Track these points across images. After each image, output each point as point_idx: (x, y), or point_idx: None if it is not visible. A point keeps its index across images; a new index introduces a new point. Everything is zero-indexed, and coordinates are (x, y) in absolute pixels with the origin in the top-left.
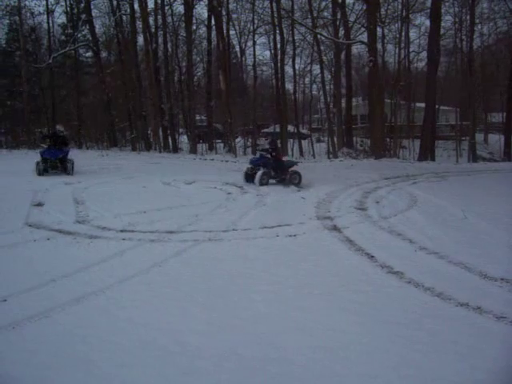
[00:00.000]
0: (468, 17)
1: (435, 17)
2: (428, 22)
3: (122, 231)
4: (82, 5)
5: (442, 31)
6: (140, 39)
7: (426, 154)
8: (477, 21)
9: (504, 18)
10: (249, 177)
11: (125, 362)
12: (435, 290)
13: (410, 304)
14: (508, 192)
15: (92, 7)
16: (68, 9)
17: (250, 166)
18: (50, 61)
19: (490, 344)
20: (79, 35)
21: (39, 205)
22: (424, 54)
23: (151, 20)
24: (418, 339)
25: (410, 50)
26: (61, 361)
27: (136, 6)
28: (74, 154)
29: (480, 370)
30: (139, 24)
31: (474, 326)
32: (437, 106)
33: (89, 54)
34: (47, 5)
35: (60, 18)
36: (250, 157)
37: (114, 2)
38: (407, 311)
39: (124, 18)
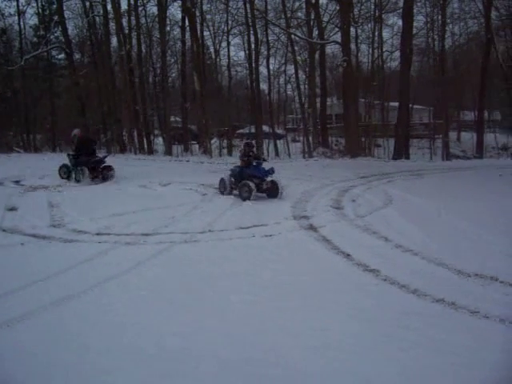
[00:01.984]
0: (439, 17)
1: (407, 17)
2: (400, 22)
3: (97, 234)
4: (54, 6)
5: (414, 31)
6: (113, 41)
7: (401, 152)
8: (448, 21)
9: (474, 18)
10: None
11: (103, 366)
12: (411, 286)
13: (386, 301)
14: (481, 189)
15: (64, 8)
16: (40, 10)
17: (256, 181)
18: (22, 63)
19: (464, 338)
20: (51, 37)
21: (13, 209)
22: (397, 54)
23: (125, 21)
24: (395, 336)
25: (384, 49)
26: (37, 366)
27: (109, 7)
28: (49, 158)
29: (456, 365)
30: (112, 25)
31: (449, 322)
32: (410, 105)
33: (62, 55)
34: (18, 6)
35: (32, 19)
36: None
37: (87, 4)
38: (384, 308)
39: (97, 19)
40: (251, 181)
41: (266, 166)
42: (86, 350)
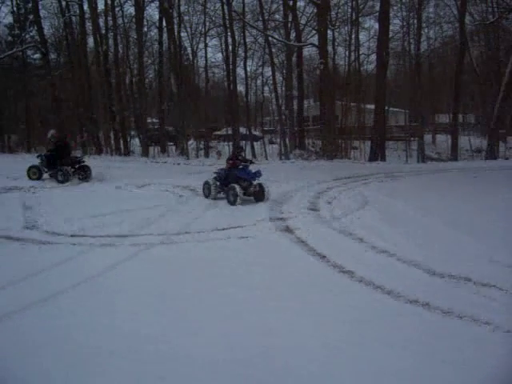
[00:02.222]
0: (415, 21)
1: (384, 20)
2: (377, 25)
3: (72, 236)
4: (30, 5)
5: (390, 34)
6: (90, 41)
7: (377, 154)
8: (424, 25)
9: (449, 23)
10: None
11: (76, 370)
12: (385, 287)
13: (361, 302)
14: (456, 190)
15: (40, 7)
16: (15, 9)
17: (244, 184)
18: None
19: (437, 339)
20: (27, 36)
21: None
22: (374, 57)
23: (101, 21)
24: (369, 337)
25: (360, 52)
26: (8, 372)
27: (85, 6)
28: (24, 159)
29: (428, 364)
30: (89, 25)
31: (422, 322)
32: (386, 108)
33: (37, 55)
34: None
35: (6, 18)
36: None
37: (63, 3)
38: (359, 309)
39: (73, 19)
40: (238, 184)
41: (253, 168)
42: (57, 353)
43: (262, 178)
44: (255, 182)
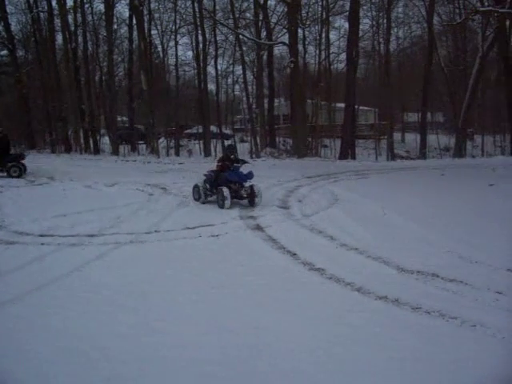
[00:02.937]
0: (385, 20)
1: (353, 20)
2: (347, 25)
3: (40, 236)
4: None
5: (360, 34)
6: (59, 38)
7: (347, 152)
8: (393, 25)
9: (418, 23)
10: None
11: (46, 372)
12: (355, 284)
13: (331, 299)
14: (424, 189)
15: (6, 3)
16: None
17: (234, 186)
18: None
19: (407, 334)
20: None
21: None
22: (344, 56)
23: (70, 18)
24: (340, 333)
25: (330, 51)
26: None
27: (54, 3)
28: None
29: (396, 360)
30: (58, 22)
31: (392, 318)
32: (356, 107)
33: (4, 52)
34: None
35: None
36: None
37: None
38: (329, 306)
39: (41, 15)
40: (228, 187)
41: (245, 169)
42: (25, 355)
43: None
44: (247, 185)
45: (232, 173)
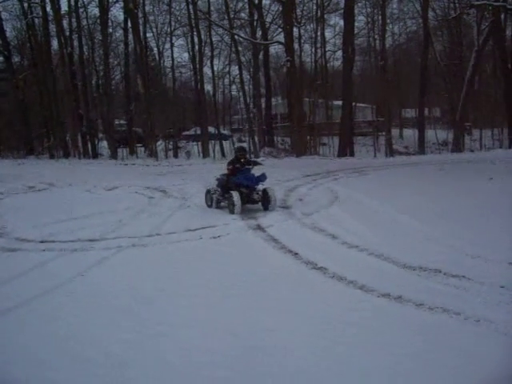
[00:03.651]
0: (380, 17)
1: (349, 17)
2: (342, 22)
3: (42, 242)
4: None
5: (355, 31)
6: (54, 43)
7: (346, 150)
8: (388, 21)
9: (413, 19)
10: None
11: (51, 378)
12: (358, 282)
13: (334, 298)
14: (424, 185)
15: (1, 9)
16: None
17: (245, 191)
18: None
19: (410, 331)
20: None
21: None
22: (340, 53)
23: (65, 23)
24: (343, 332)
25: (326, 49)
26: None
27: (48, 8)
28: None
29: (400, 356)
30: (53, 27)
31: (395, 315)
32: (354, 104)
33: (0, 58)
34: None
35: None
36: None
37: (25, 5)
38: (332, 305)
39: (36, 20)
40: (239, 191)
41: (258, 171)
42: (30, 361)
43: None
44: (259, 188)
45: (241, 176)
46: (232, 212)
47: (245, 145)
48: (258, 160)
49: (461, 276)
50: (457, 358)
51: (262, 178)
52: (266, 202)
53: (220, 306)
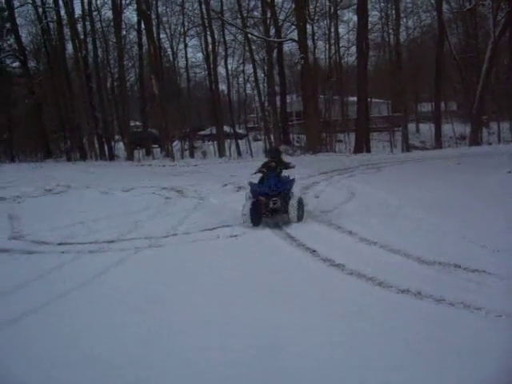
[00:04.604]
0: (393, 11)
1: (362, 12)
2: (355, 18)
3: (59, 244)
4: (6, 13)
5: (369, 26)
6: (69, 46)
7: (362, 146)
8: (402, 15)
9: (427, 12)
10: (262, 213)
11: (71, 381)
12: (376, 279)
13: (352, 295)
14: (441, 180)
15: (16, 15)
16: None
17: (262, 199)
18: None
19: (430, 327)
20: (5, 45)
21: None
22: (354, 49)
23: (79, 27)
24: (364, 329)
25: (340, 45)
26: None
27: (62, 12)
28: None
29: (419, 353)
30: (67, 31)
31: (415, 311)
32: (369, 99)
33: (16, 63)
34: None
35: None
36: (249, 182)
37: (40, 10)
38: (351, 302)
39: (51, 25)
40: (258, 200)
41: (291, 174)
42: (50, 363)
43: (244, 174)
44: (289, 194)
45: (261, 183)
46: (252, 224)
47: (281, 147)
48: (290, 164)
49: (481, 271)
50: (477, 353)
51: (280, 185)
52: (282, 212)
53: (238, 304)
